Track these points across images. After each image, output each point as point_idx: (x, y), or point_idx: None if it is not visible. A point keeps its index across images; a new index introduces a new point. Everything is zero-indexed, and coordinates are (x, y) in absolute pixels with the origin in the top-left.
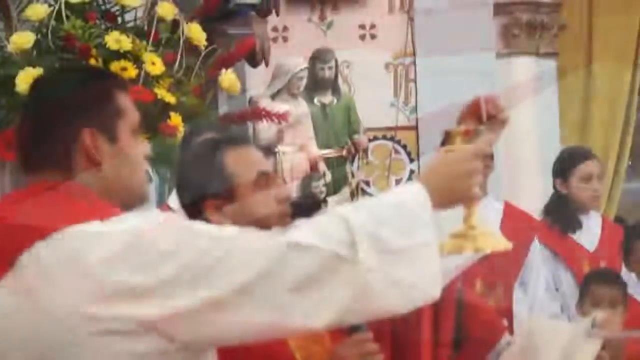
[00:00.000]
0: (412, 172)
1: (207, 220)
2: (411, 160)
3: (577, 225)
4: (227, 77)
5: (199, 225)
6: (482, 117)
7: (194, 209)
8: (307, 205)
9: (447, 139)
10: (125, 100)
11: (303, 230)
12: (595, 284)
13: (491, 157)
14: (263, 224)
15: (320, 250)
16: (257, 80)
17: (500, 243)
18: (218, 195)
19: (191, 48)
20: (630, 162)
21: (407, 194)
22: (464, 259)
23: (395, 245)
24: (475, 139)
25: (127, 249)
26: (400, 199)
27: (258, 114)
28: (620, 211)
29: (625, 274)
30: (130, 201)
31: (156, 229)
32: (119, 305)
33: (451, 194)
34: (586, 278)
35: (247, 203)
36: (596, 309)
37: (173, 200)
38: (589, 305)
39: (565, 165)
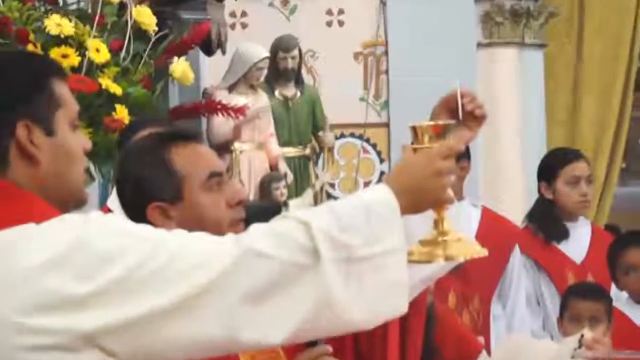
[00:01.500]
0: (382, 173)
1: (151, 225)
2: (381, 161)
3: (563, 234)
4: (179, 67)
5: (143, 228)
6: (458, 112)
7: (135, 212)
8: (265, 209)
9: (414, 135)
10: (64, 90)
11: (259, 235)
12: (573, 299)
13: (468, 157)
14: (213, 230)
15: (277, 258)
16: (213, 71)
17: (475, 250)
18: (163, 197)
19: (140, 34)
20: (624, 164)
21: (373, 197)
22: (435, 268)
23: (360, 253)
24: (446, 136)
25: (63, 253)
26: (366, 202)
27: (213, 107)
28: (613, 218)
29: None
30: (68, 201)
31: (96, 231)
32: (53, 315)
33: (420, 196)
34: (565, 292)
35: (196, 207)
36: (574, 326)
37: (113, 201)
38: (567, 322)
39: (550, 167)
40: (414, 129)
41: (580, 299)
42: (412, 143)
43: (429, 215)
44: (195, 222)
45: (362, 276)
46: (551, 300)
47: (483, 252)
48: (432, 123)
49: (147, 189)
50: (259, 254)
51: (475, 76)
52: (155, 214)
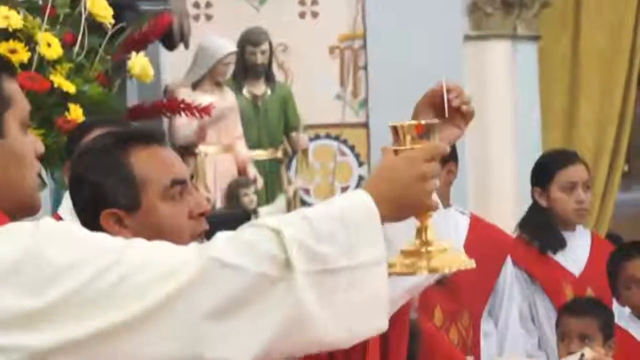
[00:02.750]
0: (361, 178)
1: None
2: (360, 164)
3: (559, 244)
4: (138, 62)
5: (99, 236)
6: (444, 109)
7: (89, 219)
8: (233, 218)
9: (396, 136)
10: (13, 88)
11: (225, 244)
12: (562, 316)
13: (455, 159)
14: (174, 242)
15: (246, 270)
16: (175, 67)
17: (462, 262)
18: (120, 204)
19: (95, 27)
20: (626, 167)
21: (351, 204)
22: (418, 278)
23: (337, 264)
24: (430, 136)
25: (11, 266)
26: (343, 209)
27: (175, 106)
28: (614, 227)
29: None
30: (18, 208)
31: (46, 241)
32: (4, 333)
33: (402, 202)
34: (560, 308)
35: (155, 216)
36: (564, 345)
37: (65, 208)
38: (559, 340)
39: (544, 171)
40: (395, 129)
41: (568, 315)
42: (393, 144)
43: (412, 223)
44: (153, 233)
45: (339, 290)
46: (547, 317)
47: (470, 264)
48: (414, 122)
49: (102, 195)
50: (224, 265)
51: (463, 72)
52: (109, 222)
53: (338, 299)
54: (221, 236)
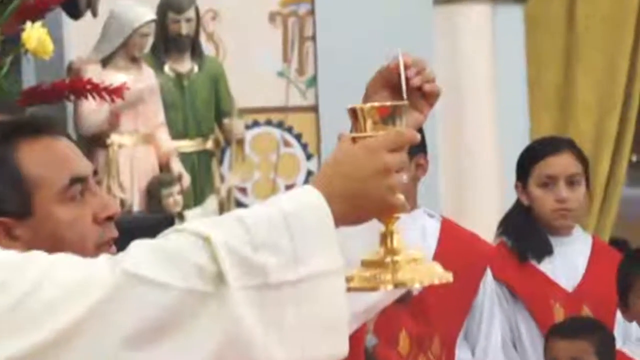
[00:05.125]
0: (310, 173)
1: None
2: (308, 157)
3: (542, 251)
4: (34, 34)
5: None
6: (402, 88)
7: None
8: (154, 223)
9: (354, 121)
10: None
11: (143, 255)
12: (550, 339)
13: (424, 150)
14: (76, 254)
15: (169, 286)
16: (80, 39)
17: (436, 275)
18: (7, 211)
19: None
20: (634, 157)
21: (298, 203)
22: (377, 296)
23: (280, 277)
24: (397, 121)
25: None
26: (288, 210)
27: (81, 87)
28: (619, 229)
29: (625, 323)
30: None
31: None
32: None
33: (361, 201)
34: (548, 331)
35: (51, 223)
36: None
37: None
38: None
39: (522, 164)
40: (353, 112)
41: (558, 338)
42: (351, 131)
43: (374, 227)
44: (50, 244)
45: (285, 308)
46: (531, 342)
47: (446, 277)
48: (378, 104)
49: None
50: (142, 281)
51: (432, 42)
52: None
53: (284, 319)
54: (138, 245)
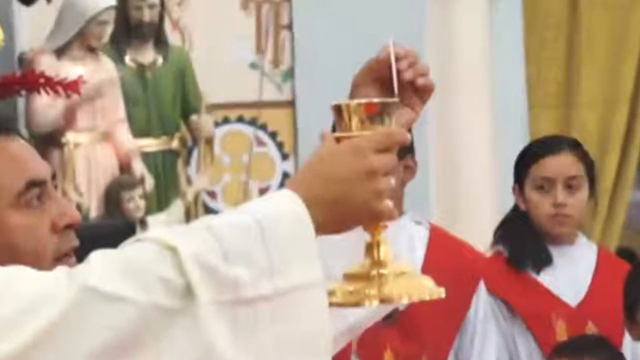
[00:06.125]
0: (285, 175)
1: None
2: (284, 157)
3: (543, 261)
4: None
5: None
6: (392, 82)
7: None
8: (114, 230)
9: (339, 118)
10: None
11: (104, 267)
12: (555, 359)
13: (412, 152)
14: (31, 266)
15: (132, 301)
16: (33, 27)
17: (427, 289)
18: None
19: None
20: None
21: (273, 209)
22: (362, 314)
23: (255, 291)
24: (385, 120)
25: None
26: (263, 217)
27: (33, 80)
28: (627, 238)
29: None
30: None
31: None
32: None
33: (343, 208)
34: (549, 351)
35: (6, 231)
36: None
37: None
38: None
39: (519, 166)
40: (338, 109)
41: (560, 358)
42: (334, 130)
43: (359, 236)
44: (4, 254)
45: (260, 325)
46: None
47: (438, 293)
48: (365, 101)
49: None
50: (103, 295)
51: (423, 33)
52: None
53: (259, 337)
54: (97, 256)
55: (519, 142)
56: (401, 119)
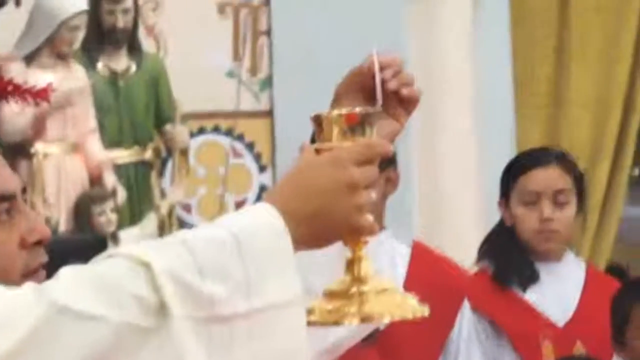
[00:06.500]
0: (263, 188)
1: None
2: (262, 169)
3: (529, 278)
4: None
5: None
6: (375, 93)
7: None
8: (84, 245)
9: (318, 130)
10: None
11: (74, 284)
12: None
13: (393, 163)
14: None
15: (104, 320)
16: (1, 33)
17: (411, 308)
18: None
19: None
20: (637, 170)
21: (250, 223)
22: (343, 333)
23: (231, 309)
24: (367, 131)
25: None
26: (239, 231)
27: (1, 88)
28: (618, 254)
29: None
30: None
31: None
32: None
33: (323, 222)
34: None
35: None
36: None
37: None
38: None
39: (507, 177)
40: (318, 120)
41: None
42: (314, 141)
43: (340, 252)
44: None
45: (235, 343)
46: None
47: (421, 311)
48: (345, 111)
49: None
50: (74, 314)
51: (404, 37)
52: None
53: (235, 355)
54: (68, 272)
55: (506, 151)
56: (385, 131)
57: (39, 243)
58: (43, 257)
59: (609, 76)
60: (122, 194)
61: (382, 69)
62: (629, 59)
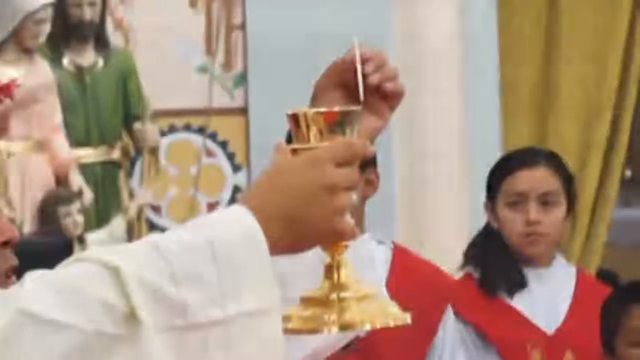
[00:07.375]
0: (237, 189)
1: None
2: (236, 169)
3: (516, 283)
4: None
5: None
6: (358, 89)
7: None
8: (49, 248)
9: (295, 128)
10: None
11: (40, 290)
12: None
13: (373, 163)
14: None
15: (71, 328)
16: None
17: (392, 315)
18: None
19: None
20: (628, 172)
21: (225, 227)
22: (322, 341)
23: (205, 315)
24: (347, 130)
25: None
26: (214, 236)
27: None
28: (609, 259)
29: None
30: None
31: None
32: None
33: (301, 226)
34: None
35: None
36: None
37: None
38: None
39: (493, 178)
40: (295, 118)
41: None
42: (290, 140)
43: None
44: None
45: (210, 352)
46: None
47: (403, 318)
48: (324, 109)
49: None
50: (39, 321)
51: (387, 32)
52: None
53: None
54: (34, 278)
55: (492, 151)
56: (367, 128)
57: (5, 245)
58: (12, 260)
59: (599, 77)
60: (88, 195)
61: (363, 62)
62: (619, 59)
